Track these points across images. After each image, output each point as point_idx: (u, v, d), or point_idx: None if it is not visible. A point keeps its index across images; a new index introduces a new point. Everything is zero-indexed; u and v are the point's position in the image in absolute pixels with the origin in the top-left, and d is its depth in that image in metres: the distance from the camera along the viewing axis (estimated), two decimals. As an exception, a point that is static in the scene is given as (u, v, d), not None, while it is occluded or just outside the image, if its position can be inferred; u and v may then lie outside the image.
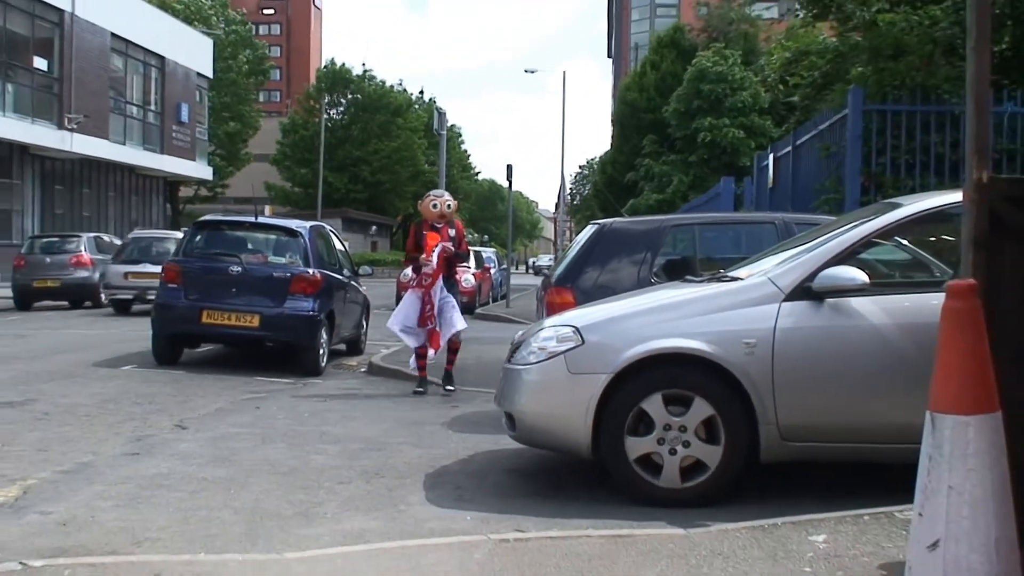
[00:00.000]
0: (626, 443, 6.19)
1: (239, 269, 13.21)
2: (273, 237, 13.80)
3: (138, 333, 17.32)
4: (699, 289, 6.58)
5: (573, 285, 9.01)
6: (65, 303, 26.71)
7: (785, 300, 6.14)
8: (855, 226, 6.38)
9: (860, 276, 5.98)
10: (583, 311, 6.96)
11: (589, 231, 9.44)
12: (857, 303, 6.06)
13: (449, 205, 11.59)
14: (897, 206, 6.44)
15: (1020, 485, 3.48)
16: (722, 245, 9.74)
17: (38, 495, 6.48)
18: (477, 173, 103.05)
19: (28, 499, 6.38)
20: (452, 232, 11.59)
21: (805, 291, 6.13)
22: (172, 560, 4.81)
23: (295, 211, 72.34)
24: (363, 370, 14.37)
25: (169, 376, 12.64)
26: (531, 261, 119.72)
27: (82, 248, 26.59)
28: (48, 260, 26.31)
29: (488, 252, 37.98)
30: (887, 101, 11.89)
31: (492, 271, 33.55)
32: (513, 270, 47.35)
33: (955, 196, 5.99)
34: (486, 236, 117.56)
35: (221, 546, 5.40)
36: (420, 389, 11.54)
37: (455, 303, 11.63)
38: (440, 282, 11.52)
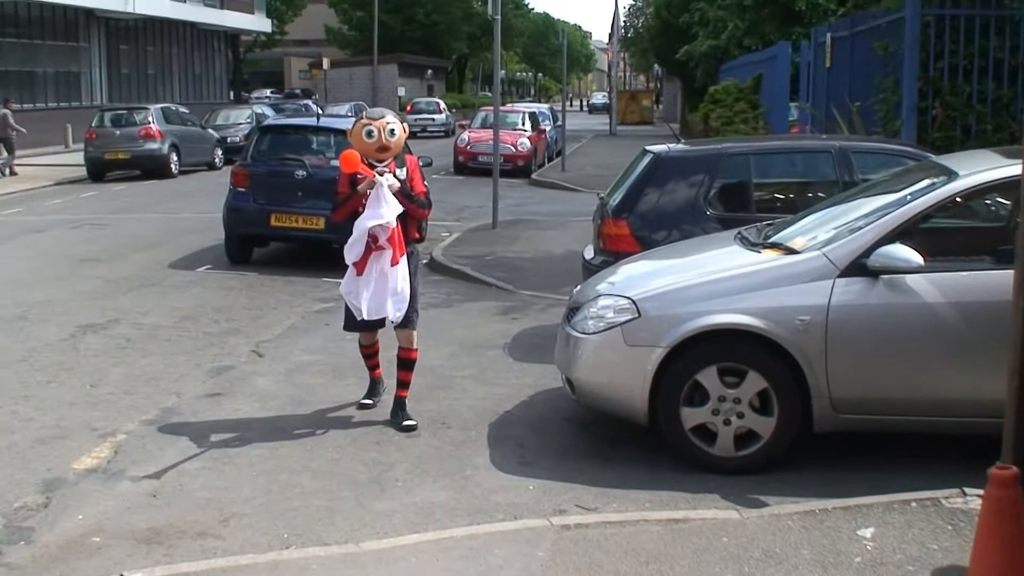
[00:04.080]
0: (682, 413, 6.45)
1: (303, 173, 13.55)
2: (334, 140, 13.99)
3: (205, 221, 17.72)
4: (754, 261, 6.72)
5: (629, 215, 9.14)
6: (137, 172, 27.22)
7: (840, 276, 6.29)
8: (911, 199, 6.47)
9: (915, 258, 6.09)
10: (638, 278, 7.12)
11: (645, 160, 9.52)
12: (912, 280, 6.19)
13: (393, 131, 7.38)
14: (954, 176, 6.50)
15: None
16: (777, 171, 9.79)
17: (127, 456, 6.93)
18: (530, 9, 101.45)
19: (119, 461, 6.84)
20: (401, 173, 7.48)
21: (860, 267, 6.27)
22: (259, 563, 5.20)
23: (352, 55, 72.03)
24: (424, 262, 14.66)
25: (242, 280, 13.15)
26: (585, 99, 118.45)
27: (150, 120, 26.97)
28: (118, 133, 26.87)
29: (542, 109, 37.55)
30: (945, 5, 11.69)
31: (547, 130, 33.29)
32: (568, 107, 46.75)
33: (1012, 167, 6.11)
34: (540, 74, 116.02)
35: (303, 525, 5.81)
36: (367, 401, 7.97)
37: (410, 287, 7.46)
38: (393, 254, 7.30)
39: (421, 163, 15.95)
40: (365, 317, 7.32)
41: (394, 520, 5.89)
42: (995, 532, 3.42)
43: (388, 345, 8.03)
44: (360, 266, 7.26)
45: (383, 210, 7.14)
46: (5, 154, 27.66)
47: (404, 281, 7.31)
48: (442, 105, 55.26)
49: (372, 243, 7.26)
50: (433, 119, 52.10)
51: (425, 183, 7.84)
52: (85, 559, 5.42)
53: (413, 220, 7.58)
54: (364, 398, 8.01)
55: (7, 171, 27.44)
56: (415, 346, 7.67)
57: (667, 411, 6.47)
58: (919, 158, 8.57)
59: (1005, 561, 3.41)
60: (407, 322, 7.51)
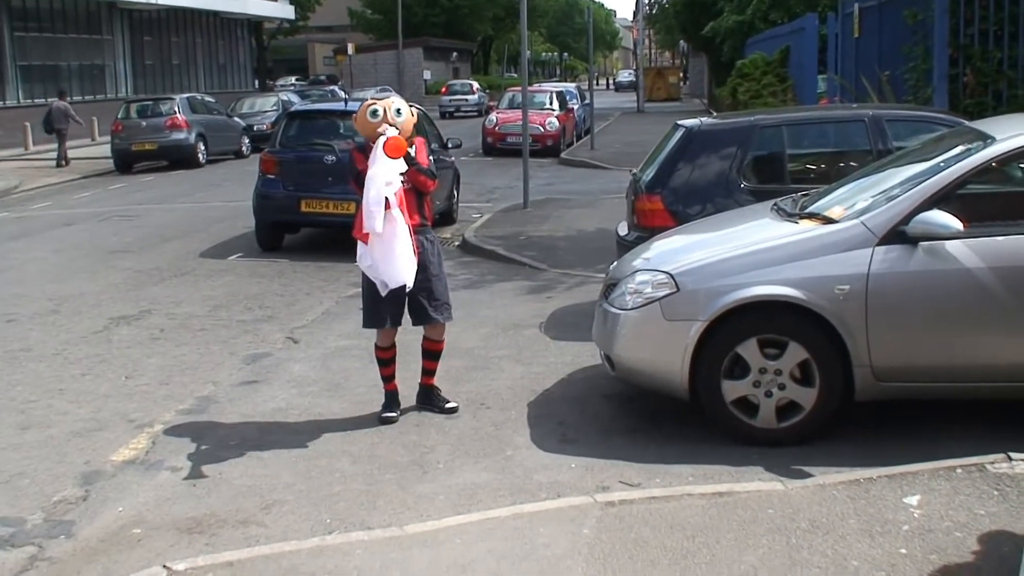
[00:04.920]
0: (722, 386, 6.38)
1: (332, 158, 13.42)
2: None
3: (234, 209, 17.82)
4: (792, 231, 6.62)
5: (663, 190, 9.06)
6: (164, 162, 27.36)
7: (878, 244, 6.19)
8: (947, 165, 6.36)
9: (954, 224, 5.99)
10: (674, 252, 7.02)
11: (677, 134, 9.42)
12: (951, 246, 6.09)
13: (399, 110, 7.02)
14: (990, 141, 6.40)
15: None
16: (810, 141, 9.66)
17: (165, 446, 6.92)
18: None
19: (157, 451, 6.82)
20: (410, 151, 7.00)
21: (899, 235, 6.17)
22: (303, 549, 5.16)
23: (376, 40, 72.01)
24: (457, 244, 14.69)
25: (274, 267, 13.14)
26: (611, 77, 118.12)
27: (176, 110, 27.06)
28: (144, 124, 26.99)
29: (569, 88, 37.45)
30: None
31: (575, 109, 33.16)
32: (595, 85, 46.86)
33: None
34: (566, 53, 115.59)
35: (345, 509, 5.78)
36: (390, 414, 7.27)
37: (439, 272, 7.32)
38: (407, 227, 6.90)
39: (450, 145, 16.01)
40: (391, 286, 6.88)
41: (437, 502, 5.85)
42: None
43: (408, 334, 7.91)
44: (367, 236, 6.79)
45: (383, 164, 6.76)
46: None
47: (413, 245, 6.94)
48: (475, 86, 56.45)
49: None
50: (467, 99, 53.87)
51: (431, 157, 7.46)
52: (127, 551, 5.41)
53: (424, 197, 7.24)
54: (386, 411, 7.31)
55: (63, 162, 28.21)
56: (443, 337, 7.51)
57: (708, 385, 6.41)
58: (952, 124, 8.43)
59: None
60: (440, 315, 7.30)
